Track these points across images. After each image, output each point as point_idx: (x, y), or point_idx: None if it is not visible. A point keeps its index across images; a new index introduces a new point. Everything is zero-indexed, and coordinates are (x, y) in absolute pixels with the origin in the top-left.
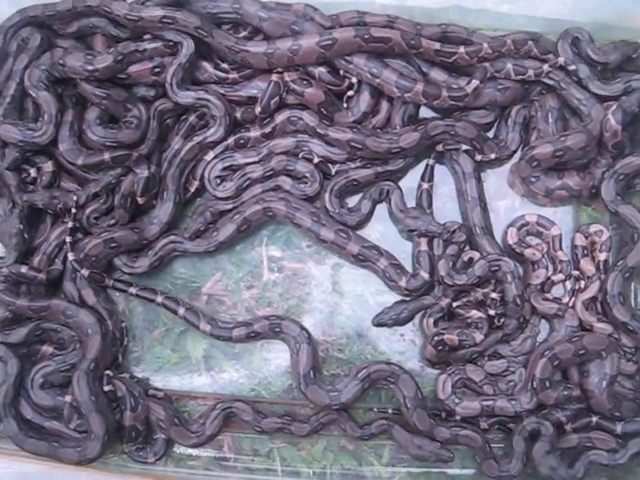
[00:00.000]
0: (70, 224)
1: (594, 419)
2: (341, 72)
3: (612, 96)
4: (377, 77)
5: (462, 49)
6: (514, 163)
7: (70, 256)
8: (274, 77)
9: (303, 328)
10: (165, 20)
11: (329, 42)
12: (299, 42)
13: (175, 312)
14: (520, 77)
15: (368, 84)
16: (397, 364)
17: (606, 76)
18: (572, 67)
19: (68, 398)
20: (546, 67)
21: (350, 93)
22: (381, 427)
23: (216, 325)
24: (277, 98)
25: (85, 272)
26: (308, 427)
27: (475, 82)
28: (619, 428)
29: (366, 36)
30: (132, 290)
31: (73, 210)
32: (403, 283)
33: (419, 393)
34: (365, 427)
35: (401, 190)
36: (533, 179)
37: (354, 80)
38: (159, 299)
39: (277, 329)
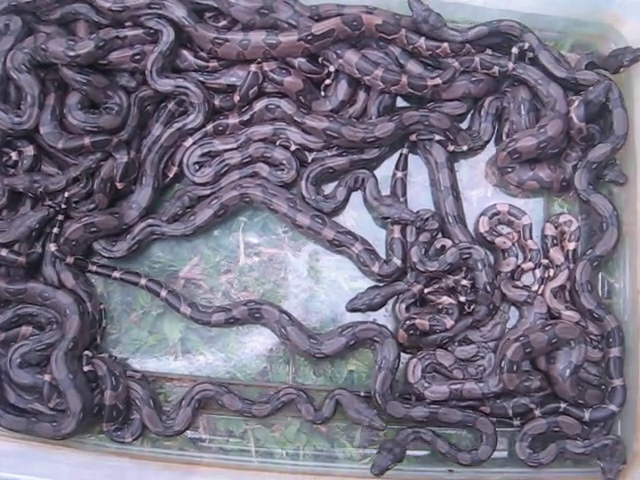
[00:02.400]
0: (60, 217)
1: (562, 405)
2: (320, 60)
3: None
4: (340, 57)
5: (403, 31)
6: (493, 154)
7: (52, 247)
8: (253, 67)
9: (282, 311)
10: (115, 8)
11: (273, 42)
12: (249, 37)
13: (157, 294)
14: (485, 71)
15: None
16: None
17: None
18: (531, 54)
19: (47, 377)
20: (511, 65)
21: (328, 81)
22: (331, 405)
23: (196, 309)
24: (255, 88)
25: (70, 259)
26: (269, 407)
27: (437, 80)
28: (587, 415)
29: (309, 37)
30: (116, 274)
31: (63, 205)
32: (376, 268)
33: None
34: (317, 412)
35: (376, 178)
36: (509, 169)
37: (332, 68)
38: (143, 282)
39: (257, 314)
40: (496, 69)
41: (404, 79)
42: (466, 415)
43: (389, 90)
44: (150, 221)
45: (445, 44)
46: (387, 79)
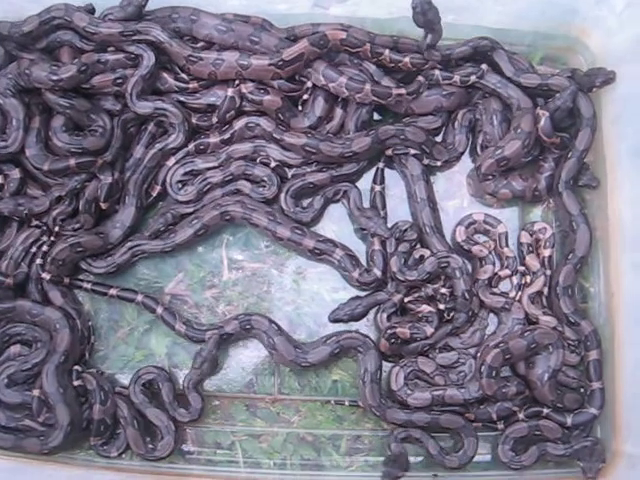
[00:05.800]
0: (45, 247)
1: (545, 411)
2: (296, 76)
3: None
4: (309, 67)
5: (367, 45)
6: (469, 165)
7: (45, 276)
8: (230, 91)
9: (272, 321)
10: (89, 29)
11: (245, 63)
12: (222, 57)
13: (153, 311)
14: (447, 82)
15: (321, 89)
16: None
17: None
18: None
19: (36, 392)
20: (473, 78)
21: (305, 97)
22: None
23: (190, 327)
24: (233, 112)
25: (67, 280)
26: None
27: (401, 90)
28: (569, 421)
29: (280, 63)
30: (112, 291)
31: (52, 238)
32: (356, 274)
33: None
34: None
35: (359, 189)
36: (490, 177)
37: (309, 84)
38: (139, 298)
39: (247, 326)
40: (457, 78)
41: (367, 87)
42: (467, 423)
43: (354, 98)
44: (129, 244)
45: (407, 58)
46: (352, 86)
